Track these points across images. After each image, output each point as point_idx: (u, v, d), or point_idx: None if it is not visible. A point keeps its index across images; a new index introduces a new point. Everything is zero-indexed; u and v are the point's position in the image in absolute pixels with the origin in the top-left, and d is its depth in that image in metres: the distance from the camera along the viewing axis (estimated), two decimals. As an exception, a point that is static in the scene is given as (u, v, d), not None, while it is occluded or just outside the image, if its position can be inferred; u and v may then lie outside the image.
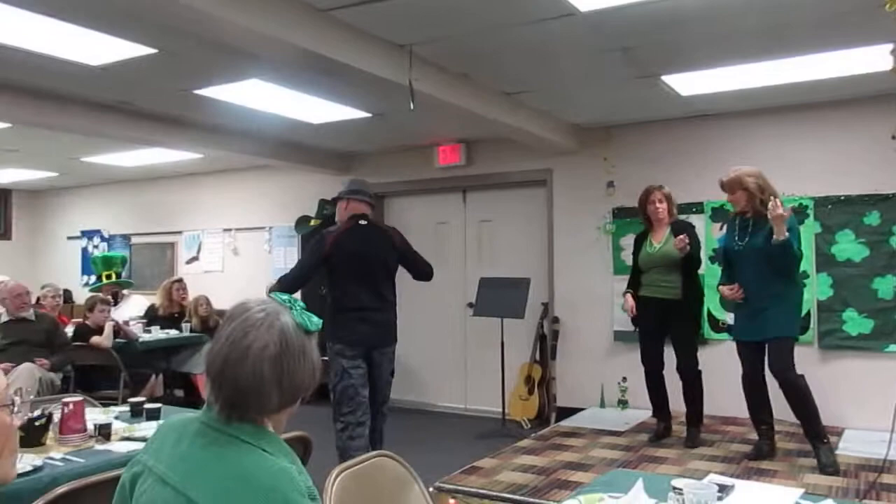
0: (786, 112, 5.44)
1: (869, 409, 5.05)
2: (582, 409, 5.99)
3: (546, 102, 5.38)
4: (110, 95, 5.14)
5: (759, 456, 4.28)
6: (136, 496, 1.32)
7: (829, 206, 5.29)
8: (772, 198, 3.89)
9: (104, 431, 2.72)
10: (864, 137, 5.21)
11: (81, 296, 8.58)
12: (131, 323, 6.35)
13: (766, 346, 4.09)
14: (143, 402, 3.22)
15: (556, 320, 6.36)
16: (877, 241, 5.13)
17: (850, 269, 5.21)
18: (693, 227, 4.84)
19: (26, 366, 4.79)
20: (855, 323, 5.19)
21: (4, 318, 5.13)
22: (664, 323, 4.65)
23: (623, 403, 5.87)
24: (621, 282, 5.26)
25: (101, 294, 6.64)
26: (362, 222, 4.11)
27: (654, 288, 4.67)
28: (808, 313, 5.24)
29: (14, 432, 1.16)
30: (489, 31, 3.79)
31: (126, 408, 3.26)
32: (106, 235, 9.60)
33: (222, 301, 6.57)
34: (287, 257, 7.75)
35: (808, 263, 5.18)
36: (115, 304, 6.83)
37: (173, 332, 6.53)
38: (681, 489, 1.72)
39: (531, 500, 3.71)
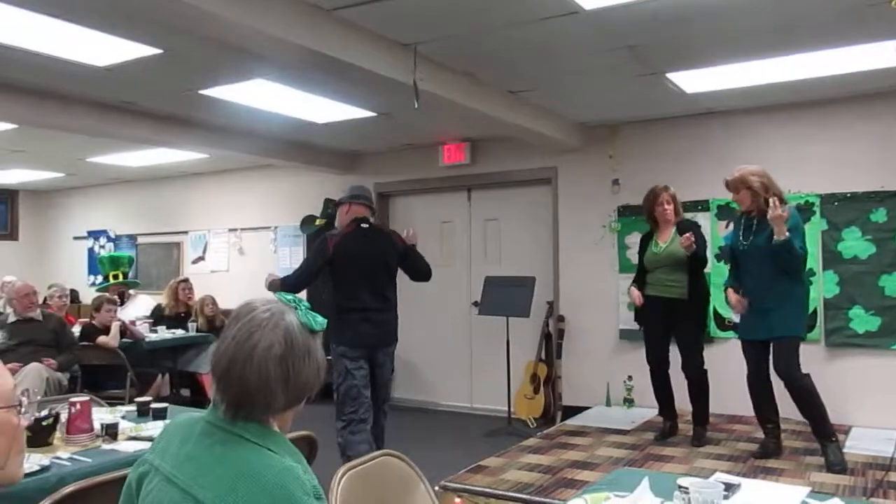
0: (792, 109, 5.42)
1: (876, 407, 5.04)
2: (588, 408, 5.98)
3: (550, 101, 5.37)
4: (116, 96, 5.16)
5: (766, 454, 4.27)
6: (142, 495, 1.32)
7: (836, 203, 5.27)
8: (771, 199, 3.88)
9: (111, 431, 2.73)
10: (871, 134, 5.19)
11: (88, 296, 8.61)
12: (138, 323, 6.36)
13: (771, 345, 4.08)
14: (149, 402, 3.23)
15: (561, 319, 6.36)
16: (883, 238, 5.11)
17: (857, 267, 5.19)
18: (699, 225, 4.82)
19: (33, 366, 4.81)
20: (862, 320, 5.17)
21: (12, 319, 5.15)
22: (670, 322, 4.63)
23: (629, 402, 5.86)
24: (627, 280, 5.25)
25: (107, 294, 6.65)
26: (364, 225, 4.19)
27: (659, 287, 4.65)
28: (815, 311, 5.22)
29: (21, 432, 1.16)
30: (493, 29, 3.79)
31: (133, 407, 3.28)
32: (112, 235, 9.63)
33: (228, 301, 6.58)
34: (292, 257, 7.76)
35: (814, 261, 5.16)
36: (122, 303, 6.86)
37: (179, 332, 6.55)
38: (687, 488, 1.72)
39: (537, 498, 3.71)
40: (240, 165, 8.00)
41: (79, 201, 10.05)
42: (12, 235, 10.17)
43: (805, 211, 5.22)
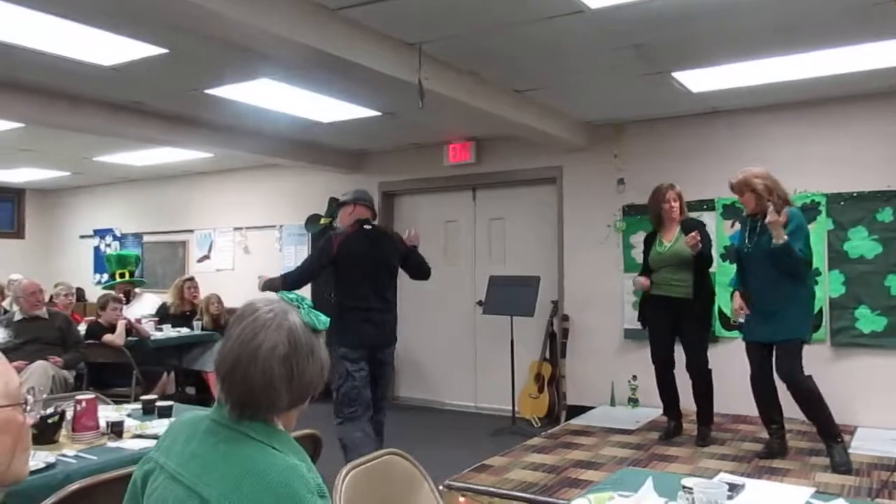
0: (798, 108, 5.40)
1: (882, 408, 5.02)
2: (592, 408, 5.98)
3: (556, 100, 5.37)
4: (122, 95, 5.17)
5: (771, 454, 4.25)
6: (147, 493, 1.33)
7: (842, 203, 5.25)
8: (769, 204, 3.89)
9: (116, 429, 2.74)
10: (878, 133, 5.17)
11: (94, 294, 8.66)
12: (143, 321, 6.39)
13: (774, 348, 4.07)
14: (154, 400, 3.24)
15: (565, 318, 6.35)
16: (890, 237, 5.09)
17: (863, 266, 5.17)
18: (704, 224, 4.80)
19: (39, 363, 4.83)
20: (867, 320, 5.15)
21: (18, 317, 5.17)
22: (675, 321, 4.63)
23: (633, 402, 5.86)
24: (631, 279, 5.24)
25: (113, 292, 6.69)
26: (367, 226, 4.24)
27: (664, 287, 4.64)
28: (821, 311, 5.21)
29: (27, 430, 1.17)
30: (498, 28, 3.78)
31: (138, 405, 3.29)
32: (118, 234, 9.66)
33: (233, 299, 6.59)
34: (298, 256, 7.77)
35: (820, 260, 5.15)
36: (128, 302, 6.88)
37: (185, 331, 6.57)
38: (691, 488, 1.72)
39: (541, 498, 3.71)
40: (245, 164, 8.02)
41: (85, 200, 10.09)
42: (19, 234, 10.22)
43: (811, 210, 5.21)
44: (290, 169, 7.72)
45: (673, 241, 4.63)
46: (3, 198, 10.01)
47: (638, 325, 5.08)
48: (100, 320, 5.77)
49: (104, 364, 5.56)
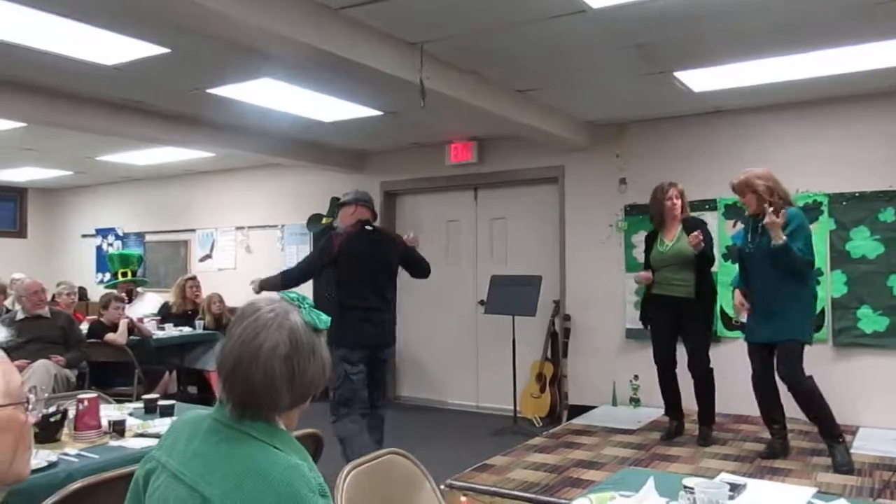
0: (800, 108, 5.39)
1: (884, 408, 5.01)
2: (594, 407, 5.98)
3: (558, 99, 5.37)
4: (124, 95, 5.18)
5: (773, 455, 4.25)
6: (149, 492, 1.33)
7: (844, 203, 5.24)
8: (767, 205, 3.89)
9: (118, 428, 2.75)
10: (880, 133, 5.16)
11: (96, 293, 8.66)
12: (145, 320, 6.40)
13: (775, 349, 4.06)
14: (156, 399, 3.25)
15: (567, 318, 6.35)
16: (892, 237, 5.08)
17: (865, 266, 5.16)
18: (705, 223, 4.79)
19: (42, 362, 4.83)
20: (869, 320, 5.15)
21: (20, 316, 5.18)
22: (677, 321, 4.62)
23: (635, 401, 5.86)
24: (633, 279, 5.23)
25: (115, 291, 6.70)
26: (368, 227, 4.28)
27: (666, 286, 4.63)
28: (823, 311, 5.20)
29: (29, 429, 1.17)
30: (500, 28, 3.78)
31: (140, 404, 3.30)
32: (120, 233, 9.67)
33: (235, 298, 6.59)
34: (299, 255, 7.76)
35: (822, 260, 5.14)
36: (130, 301, 6.89)
37: (187, 330, 6.58)
38: (692, 488, 1.71)
39: (543, 497, 3.71)
40: (247, 164, 8.02)
41: (87, 199, 10.10)
42: (21, 233, 10.23)
43: (813, 210, 5.20)
44: (292, 168, 7.73)
45: (675, 240, 4.63)
46: (6, 197, 10.03)
47: (640, 325, 5.08)
48: (102, 319, 5.78)
49: (106, 363, 5.57)
